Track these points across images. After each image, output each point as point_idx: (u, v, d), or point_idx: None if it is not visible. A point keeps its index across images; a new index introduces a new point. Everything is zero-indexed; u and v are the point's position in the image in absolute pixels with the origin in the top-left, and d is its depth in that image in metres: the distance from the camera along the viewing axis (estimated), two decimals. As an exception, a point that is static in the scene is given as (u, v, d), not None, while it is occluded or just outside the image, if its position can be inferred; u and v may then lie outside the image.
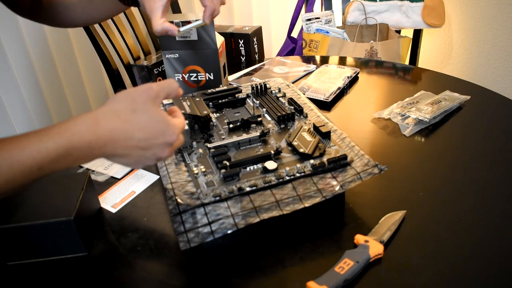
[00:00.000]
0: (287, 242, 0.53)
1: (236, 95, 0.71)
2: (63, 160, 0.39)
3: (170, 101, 0.68)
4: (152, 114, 0.43)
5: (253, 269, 0.50)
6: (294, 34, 1.54)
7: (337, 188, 0.52)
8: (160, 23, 0.59)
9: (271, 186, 0.52)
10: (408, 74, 1.00)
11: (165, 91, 0.45)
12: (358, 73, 0.97)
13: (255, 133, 0.59)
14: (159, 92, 0.44)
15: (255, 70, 1.03)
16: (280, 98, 0.70)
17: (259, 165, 0.54)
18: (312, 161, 0.54)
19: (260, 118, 0.64)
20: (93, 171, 0.70)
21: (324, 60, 1.10)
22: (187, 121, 0.60)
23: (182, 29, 0.63)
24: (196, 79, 0.80)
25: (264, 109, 0.67)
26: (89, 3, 0.68)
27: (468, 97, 0.82)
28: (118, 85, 1.29)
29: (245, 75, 1.01)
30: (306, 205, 0.50)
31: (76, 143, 0.39)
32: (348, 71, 0.96)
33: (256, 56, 1.12)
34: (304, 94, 0.80)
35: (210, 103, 0.69)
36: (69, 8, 0.69)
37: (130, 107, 0.42)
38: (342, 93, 0.91)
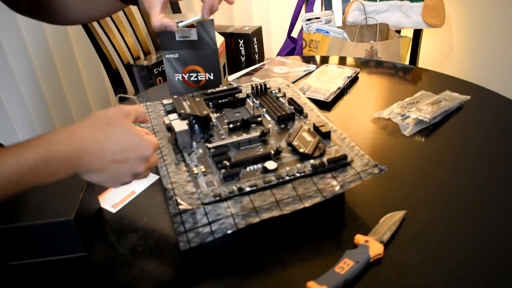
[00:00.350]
0: (287, 242, 0.53)
1: (236, 95, 0.71)
2: (41, 172, 0.40)
3: (170, 101, 0.68)
4: (126, 128, 0.45)
5: (253, 269, 0.50)
6: (294, 34, 1.54)
7: (337, 188, 0.52)
8: (159, 18, 0.59)
9: (271, 186, 0.52)
10: (408, 74, 1.00)
11: (135, 113, 0.47)
12: (358, 73, 0.97)
13: (255, 133, 0.59)
14: (131, 112, 0.47)
15: (255, 70, 1.03)
16: (280, 98, 0.70)
17: (259, 165, 0.54)
18: (312, 161, 0.54)
19: (260, 118, 0.64)
20: (93, 171, 0.70)
21: (324, 60, 1.10)
22: (186, 121, 0.60)
23: (181, 24, 0.63)
24: (196, 79, 0.80)
25: (264, 109, 0.67)
26: (88, 1, 0.68)
27: (468, 97, 0.82)
28: (118, 85, 1.29)
29: (245, 75, 1.01)
30: (306, 205, 0.50)
31: (54, 153, 0.41)
32: (348, 71, 0.96)
33: (256, 56, 1.12)
34: (304, 94, 0.80)
35: (210, 103, 0.69)
36: (68, 6, 0.70)
37: (105, 121, 0.44)
38: (342, 93, 0.91)
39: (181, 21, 0.68)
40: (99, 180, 0.46)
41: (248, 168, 0.54)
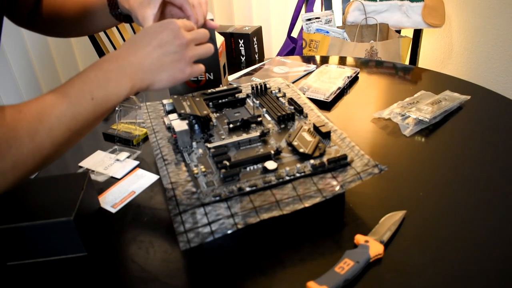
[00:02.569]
0: (287, 242, 0.53)
1: (236, 95, 0.71)
2: (106, 84, 0.45)
3: (170, 101, 0.68)
4: (149, 26, 0.52)
5: (253, 269, 0.50)
6: (294, 34, 1.54)
7: (337, 188, 0.52)
8: None
9: (271, 186, 0.52)
10: (408, 74, 1.00)
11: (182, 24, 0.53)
12: (358, 73, 0.97)
13: (255, 133, 0.59)
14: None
15: (255, 70, 1.03)
16: (280, 98, 0.70)
17: (259, 165, 0.54)
18: (312, 161, 0.54)
19: (260, 118, 0.64)
20: (93, 171, 0.70)
21: (324, 60, 1.10)
22: (186, 121, 0.60)
23: None
24: (196, 79, 0.80)
25: (264, 109, 0.67)
26: (85, 18, 0.71)
27: (468, 97, 0.82)
28: (118, 85, 1.29)
29: (245, 75, 1.01)
30: (306, 205, 0.50)
31: (107, 66, 0.46)
32: (348, 71, 0.96)
33: (256, 56, 1.12)
34: (304, 94, 0.80)
35: (210, 103, 0.69)
36: (65, 22, 0.72)
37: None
38: (342, 93, 0.91)
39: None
40: (167, 76, 0.49)
41: (248, 168, 0.54)
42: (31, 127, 0.40)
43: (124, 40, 1.27)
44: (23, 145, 0.40)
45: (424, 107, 0.78)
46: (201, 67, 0.53)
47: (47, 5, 0.71)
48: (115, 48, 1.25)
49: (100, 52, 1.23)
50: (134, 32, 1.31)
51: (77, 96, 0.44)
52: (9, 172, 0.39)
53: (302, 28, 1.45)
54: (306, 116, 0.65)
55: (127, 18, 0.67)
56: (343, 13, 1.48)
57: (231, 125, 0.62)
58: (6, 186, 0.40)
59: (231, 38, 1.09)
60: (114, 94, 0.46)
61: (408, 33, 1.46)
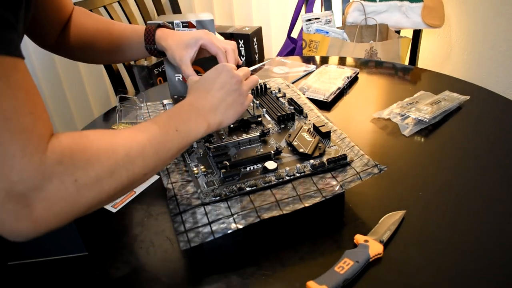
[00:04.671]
0: (287, 242, 0.53)
1: (236, 95, 0.71)
2: (188, 119, 0.50)
3: (170, 101, 0.68)
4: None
5: (253, 269, 0.50)
6: (294, 34, 1.54)
7: (337, 188, 0.52)
8: (190, 73, 0.65)
9: (271, 186, 0.52)
10: (407, 74, 1.00)
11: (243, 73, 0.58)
12: (358, 73, 0.97)
13: (255, 133, 0.60)
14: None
15: (255, 70, 1.03)
16: (280, 98, 0.70)
17: (259, 165, 0.54)
18: (312, 161, 0.54)
19: (260, 118, 0.64)
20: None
21: (324, 60, 1.11)
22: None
23: None
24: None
25: (264, 109, 0.68)
26: (117, 50, 0.73)
27: (468, 97, 0.82)
28: (118, 85, 1.29)
29: (245, 75, 1.01)
30: (306, 205, 0.50)
31: (184, 106, 0.52)
32: (348, 71, 0.96)
33: (256, 56, 1.12)
34: (304, 94, 0.80)
35: (210, 103, 0.69)
36: (95, 52, 0.73)
37: None
38: (342, 93, 0.91)
39: (182, 22, 0.68)
40: (233, 113, 0.54)
41: (248, 168, 0.54)
42: (126, 143, 0.43)
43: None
44: (119, 158, 0.41)
45: (423, 107, 0.78)
46: (250, 96, 0.58)
47: (77, 35, 0.71)
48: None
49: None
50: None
51: (165, 126, 0.47)
52: (107, 179, 0.40)
53: (302, 29, 1.46)
54: (306, 116, 0.65)
55: (160, 53, 0.70)
56: (343, 14, 1.48)
57: (231, 125, 0.62)
58: (99, 198, 0.40)
59: (231, 38, 1.09)
60: (194, 131, 0.50)
61: (408, 33, 1.47)
